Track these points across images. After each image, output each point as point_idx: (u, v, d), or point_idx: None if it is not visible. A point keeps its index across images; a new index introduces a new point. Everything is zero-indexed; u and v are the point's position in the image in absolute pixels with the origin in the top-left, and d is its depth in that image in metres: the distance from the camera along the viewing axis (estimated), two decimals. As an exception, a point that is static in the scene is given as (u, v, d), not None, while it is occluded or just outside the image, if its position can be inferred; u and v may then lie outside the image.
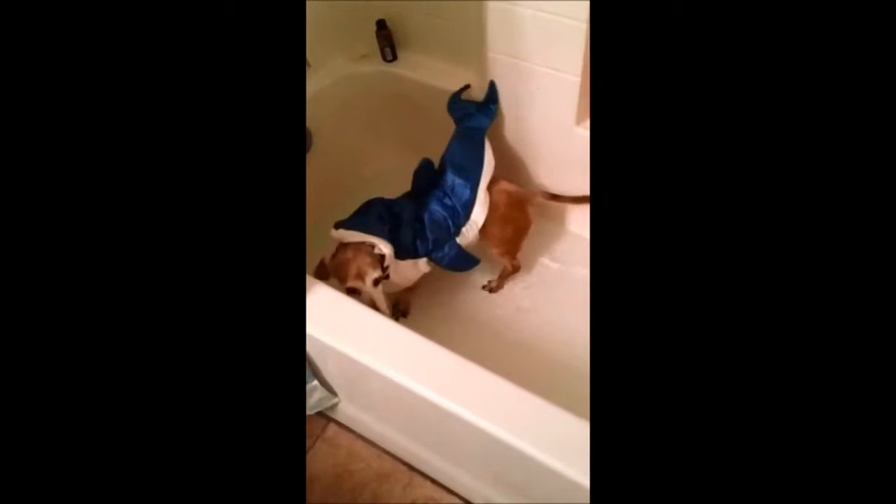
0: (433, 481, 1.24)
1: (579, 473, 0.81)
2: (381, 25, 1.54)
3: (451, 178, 1.31)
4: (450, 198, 1.31)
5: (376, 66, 1.59)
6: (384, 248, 1.22)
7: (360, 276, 1.20)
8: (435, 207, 1.31)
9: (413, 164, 1.39)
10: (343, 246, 1.23)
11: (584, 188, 1.41)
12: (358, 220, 1.27)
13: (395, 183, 1.39)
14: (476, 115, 1.37)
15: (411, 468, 1.26)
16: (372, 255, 1.22)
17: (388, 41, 1.56)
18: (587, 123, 1.30)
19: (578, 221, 1.54)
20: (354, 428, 1.31)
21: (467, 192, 1.30)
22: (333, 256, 1.24)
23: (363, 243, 1.23)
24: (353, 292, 1.20)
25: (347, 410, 1.27)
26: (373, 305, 1.19)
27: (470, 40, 1.35)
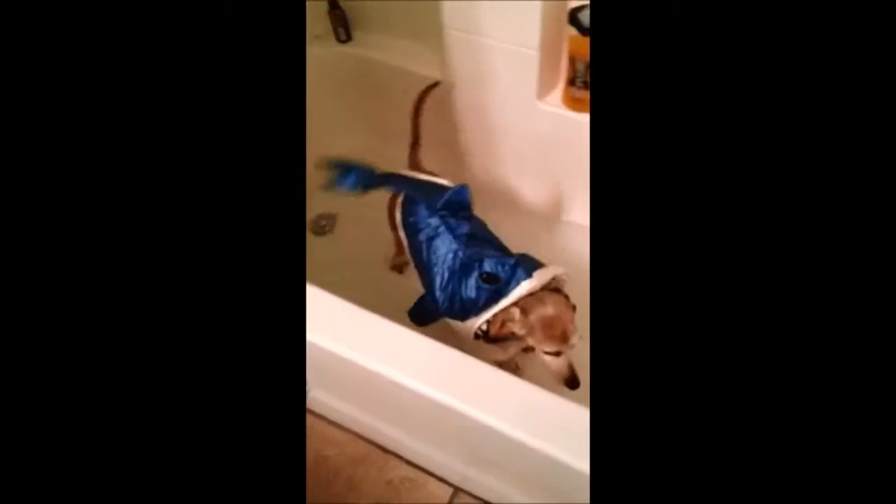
0: (409, 462, 1.24)
1: (553, 447, 0.82)
2: (334, 5, 1.50)
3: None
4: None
5: (330, 46, 1.56)
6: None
7: (566, 338, 0.94)
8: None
9: (376, 147, 1.37)
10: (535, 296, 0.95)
11: (547, 164, 1.42)
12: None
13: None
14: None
15: (386, 451, 1.26)
16: (570, 304, 0.97)
17: (341, 21, 1.52)
18: (549, 98, 1.30)
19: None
20: (326, 415, 1.30)
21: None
22: (525, 312, 0.95)
23: (555, 287, 0.99)
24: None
25: (318, 397, 1.26)
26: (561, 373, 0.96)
27: (425, 17, 1.33)
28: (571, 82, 1.22)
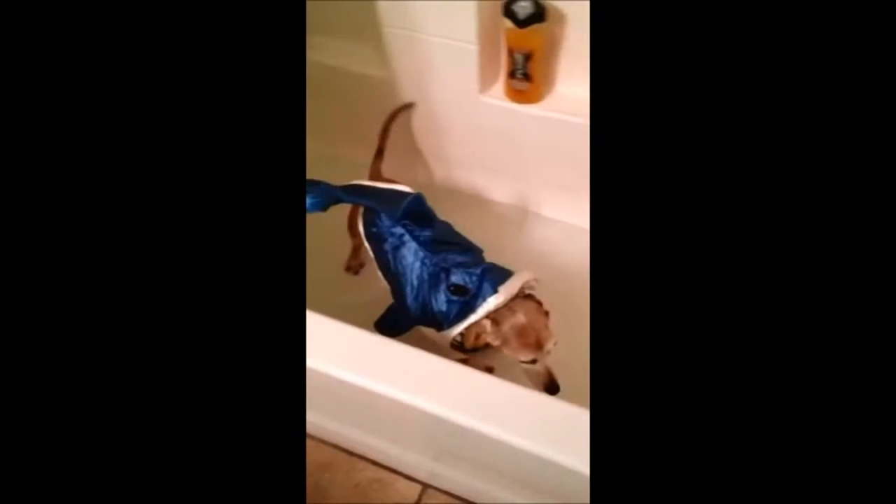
0: (376, 464, 1.24)
1: (517, 438, 0.82)
2: (271, 7, 1.48)
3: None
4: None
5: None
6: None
7: (540, 345, 0.94)
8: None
9: (325, 151, 1.35)
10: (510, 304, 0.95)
11: (493, 156, 1.43)
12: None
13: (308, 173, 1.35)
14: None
15: (352, 454, 1.25)
16: (543, 310, 0.97)
17: (279, 23, 1.50)
18: (491, 91, 1.31)
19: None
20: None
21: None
22: (497, 323, 0.94)
23: (526, 292, 0.98)
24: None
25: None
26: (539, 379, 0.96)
27: (363, 16, 1.32)
28: (512, 74, 1.23)
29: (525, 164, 1.40)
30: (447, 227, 1.14)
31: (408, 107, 1.39)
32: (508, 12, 1.13)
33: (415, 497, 1.20)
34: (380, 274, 1.15)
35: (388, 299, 1.16)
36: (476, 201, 1.56)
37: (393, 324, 1.14)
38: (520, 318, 0.93)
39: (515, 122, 1.29)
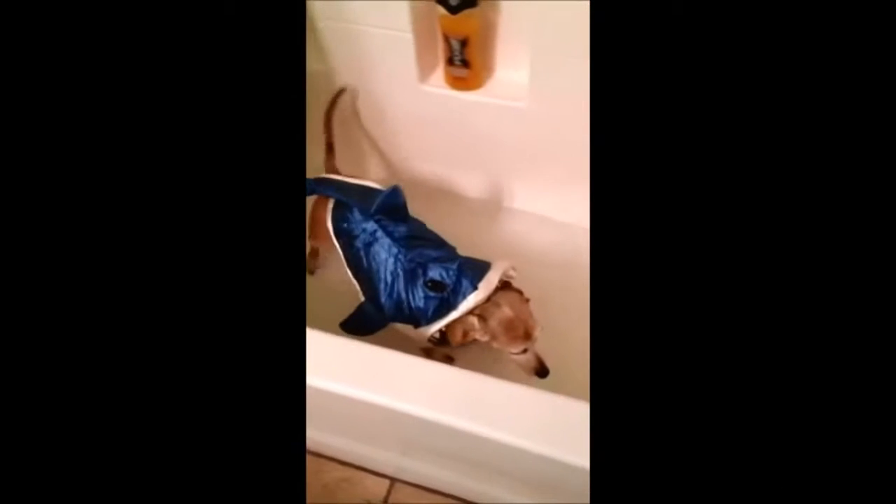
0: (343, 463, 1.23)
1: (479, 426, 0.82)
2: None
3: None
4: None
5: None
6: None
7: (529, 335, 0.95)
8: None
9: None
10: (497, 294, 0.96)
11: (438, 145, 1.42)
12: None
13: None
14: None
15: (319, 455, 1.24)
16: (525, 299, 0.97)
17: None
18: (431, 80, 1.30)
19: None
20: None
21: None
22: (482, 318, 0.94)
23: (508, 284, 0.98)
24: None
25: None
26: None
27: (297, 10, 1.29)
28: (450, 62, 1.21)
29: (471, 151, 1.39)
30: (420, 224, 1.13)
31: (342, 92, 1.35)
32: (440, -1, 1.12)
33: (383, 492, 1.20)
34: (349, 272, 1.12)
35: (350, 299, 1.14)
36: (427, 191, 1.55)
37: (364, 323, 1.11)
38: (506, 311, 0.93)
39: (457, 109, 1.28)
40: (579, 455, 0.72)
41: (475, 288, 0.95)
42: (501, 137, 1.31)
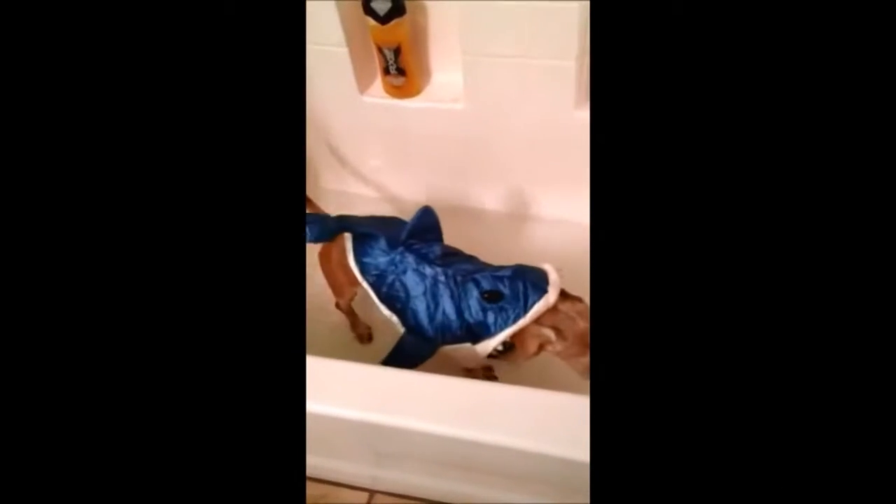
0: (319, 480, 1.22)
1: (439, 426, 0.82)
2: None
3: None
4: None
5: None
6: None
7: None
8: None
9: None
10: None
11: (378, 154, 1.43)
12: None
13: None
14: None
15: (294, 475, 1.23)
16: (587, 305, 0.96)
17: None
18: (371, 90, 1.31)
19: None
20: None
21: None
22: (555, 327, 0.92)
23: (565, 293, 0.96)
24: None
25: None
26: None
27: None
28: (386, 71, 1.23)
29: (416, 158, 1.41)
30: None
31: None
32: (368, 10, 1.14)
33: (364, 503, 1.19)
34: (383, 308, 1.06)
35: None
36: (376, 199, 1.56)
37: (406, 356, 1.05)
38: (580, 324, 0.92)
39: (399, 117, 1.30)
40: (579, 451, 0.72)
41: (543, 291, 0.93)
42: (443, 141, 1.33)
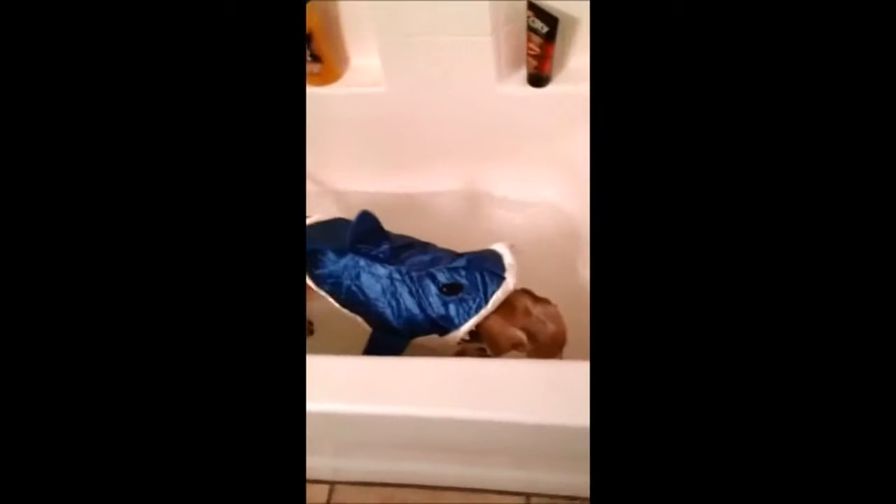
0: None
1: (386, 408, 0.83)
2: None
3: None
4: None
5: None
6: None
7: (565, 342, 0.97)
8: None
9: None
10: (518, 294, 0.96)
11: (311, 144, 1.39)
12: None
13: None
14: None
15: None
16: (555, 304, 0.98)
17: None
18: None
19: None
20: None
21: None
22: (514, 315, 0.95)
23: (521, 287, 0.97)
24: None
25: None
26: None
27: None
28: (302, 59, 1.20)
29: (348, 147, 1.39)
30: (398, 235, 1.09)
31: None
32: None
33: (325, 496, 1.20)
34: (344, 311, 1.07)
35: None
36: (322, 195, 1.52)
37: (381, 350, 1.05)
38: (550, 326, 0.94)
39: (321, 105, 1.27)
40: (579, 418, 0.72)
41: (501, 278, 0.95)
42: (371, 126, 1.32)
